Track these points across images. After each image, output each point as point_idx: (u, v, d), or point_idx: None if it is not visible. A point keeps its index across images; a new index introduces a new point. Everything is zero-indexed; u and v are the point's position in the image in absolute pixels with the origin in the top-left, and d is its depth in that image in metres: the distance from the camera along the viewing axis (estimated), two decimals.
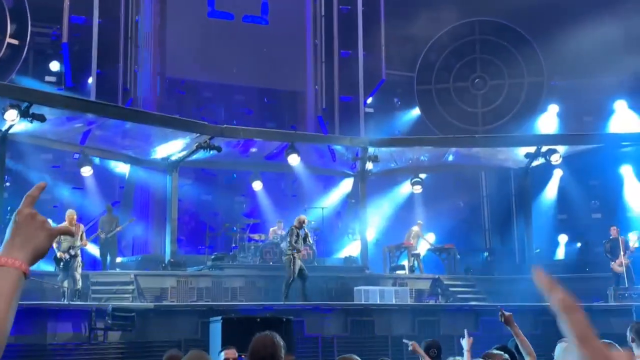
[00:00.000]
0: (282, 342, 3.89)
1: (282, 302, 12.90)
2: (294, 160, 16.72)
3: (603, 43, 19.40)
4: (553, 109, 21.86)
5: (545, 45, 21.28)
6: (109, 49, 18.75)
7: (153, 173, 17.75)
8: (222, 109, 20.65)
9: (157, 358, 7.71)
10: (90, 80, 18.22)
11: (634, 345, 5.63)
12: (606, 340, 0.85)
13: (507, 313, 5.87)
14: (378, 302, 13.54)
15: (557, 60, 20.87)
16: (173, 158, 16.87)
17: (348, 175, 19.31)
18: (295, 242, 13.81)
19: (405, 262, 17.76)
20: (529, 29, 21.99)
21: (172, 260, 15.94)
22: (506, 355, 4.74)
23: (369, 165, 18.05)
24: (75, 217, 13.00)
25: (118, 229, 15.75)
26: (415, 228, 18.07)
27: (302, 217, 14.64)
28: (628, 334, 6.76)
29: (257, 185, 18.62)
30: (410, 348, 6.68)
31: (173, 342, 11.25)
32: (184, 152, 16.60)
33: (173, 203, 16.86)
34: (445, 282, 16.48)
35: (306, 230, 14.29)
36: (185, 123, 15.56)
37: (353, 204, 19.16)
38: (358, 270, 16.86)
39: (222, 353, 6.10)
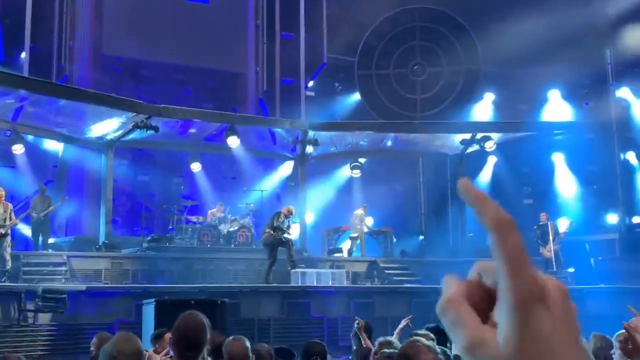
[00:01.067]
0: (207, 322, 3.82)
1: (217, 285, 12.86)
2: (233, 142, 16.61)
3: (537, 33, 19.87)
4: (489, 97, 22.36)
5: (482, 34, 21.65)
6: (43, 23, 18.16)
7: (88, 152, 17.33)
8: (160, 89, 20.28)
9: (89, 340, 7.59)
10: (23, 55, 17.62)
11: None
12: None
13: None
14: (315, 284, 13.64)
15: (494, 49, 21.27)
16: (109, 137, 16.51)
17: (288, 158, 19.31)
18: (278, 227, 13.92)
19: (346, 245, 17.96)
20: (468, 18, 22.34)
21: (106, 241, 15.65)
22: (432, 335, 4.84)
23: (309, 149, 18.10)
24: (2, 195, 12.61)
25: (51, 208, 15.35)
26: (359, 211, 18.24)
27: (292, 208, 14.84)
28: None
29: (195, 167, 18.42)
30: (356, 326, 6.76)
31: (106, 324, 11.10)
32: (120, 132, 16.26)
33: (108, 183, 16.52)
34: (382, 265, 16.72)
35: (290, 222, 14.44)
36: (122, 101, 15.23)
37: (292, 187, 19.19)
38: (296, 253, 16.92)
39: (166, 336, 6.01)
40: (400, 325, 6.69)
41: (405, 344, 3.31)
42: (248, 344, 4.65)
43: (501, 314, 0.65)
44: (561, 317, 0.64)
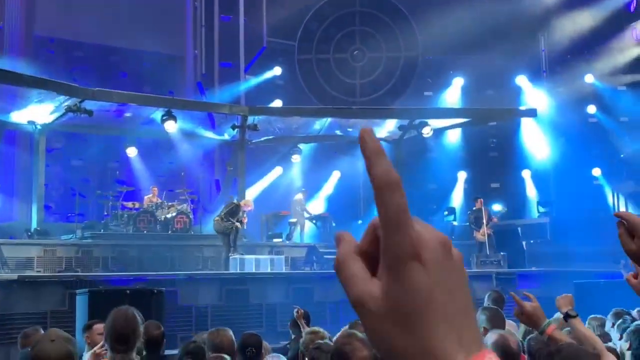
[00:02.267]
0: (139, 316, 3.84)
1: (154, 273, 12.70)
2: (171, 126, 16.34)
3: (474, 21, 20.21)
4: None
5: (421, 21, 21.88)
6: None
7: (18, 136, 16.78)
8: (94, 71, 19.75)
9: (21, 331, 7.39)
10: None
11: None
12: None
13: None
14: (253, 271, 13.63)
15: (432, 36, 21.54)
16: (40, 121, 16.01)
17: (227, 143, 19.15)
18: (235, 218, 14.10)
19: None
20: (407, 4, 22.53)
21: (38, 228, 15.24)
22: None
23: (248, 134, 17.98)
24: None
25: None
26: (298, 197, 18.27)
27: (249, 200, 15.07)
28: (486, 300, 7.23)
29: (131, 152, 18.07)
30: (295, 314, 6.77)
31: (38, 314, 10.83)
32: (53, 115, 15.79)
33: (40, 168, 16.05)
34: (321, 250, 16.80)
35: (244, 214, 14.61)
36: (54, 84, 14.74)
37: (231, 171, 19.06)
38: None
39: (95, 327, 5.91)
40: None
41: (340, 339, 3.32)
42: (231, 334, 4.67)
43: (381, 269, 0.68)
44: (440, 270, 0.67)
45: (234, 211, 14.35)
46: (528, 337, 3.85)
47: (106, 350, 4.69)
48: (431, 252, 0.67)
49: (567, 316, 3.83)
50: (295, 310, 6.89)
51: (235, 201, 14.83)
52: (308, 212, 18.77)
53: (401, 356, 0.67)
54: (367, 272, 0.69)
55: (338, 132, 19.65)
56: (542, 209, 19.83)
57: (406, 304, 0.66)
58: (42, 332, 6.00)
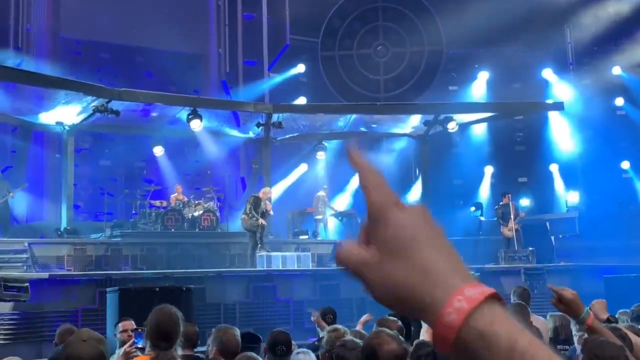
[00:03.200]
0: (180, 315, 3.94)
1: (182, 270, 12.81)
2: (196, 125, 16.44)
3: (498, 14, 20.03)
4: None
5: (444, 14, 21.75)
6: None
7: (46, 137, 17.02)
8: (120, 71, 19.95)
9: (53, 329, 7.51)
10: None
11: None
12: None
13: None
14: (280, 267, 13.67)
15: (456, 29, 21.39)
16: (68, 122, 16.22)
17: (252, 141, 19.22)
18: (261, 211, 14.26)
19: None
20: None
21: (68, 227, 15.43)
22: (400, 322, 4.89)
23: (273, 131, 18.03)
24: None
25: (10, 195, 15.07)
26: (321, 193, 18.29)
27: (267, 189, 15.22)
28: (512, 296, 7.18)
29: (158, 151, 18.23)
30: (313, 319, 6.77)
31: (69, 312, 11.00)
32: (80, 116, 15.99)
33: (69, 168, 16.26)
34: None
35: (265, 204, 14.68)
36: (81, 85, 14.92)
37: (257, 169, 19.13)
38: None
39: (120, 325, 6.00)
40: (362, 320, 6.71)
41: (370, 335, 3.39)
42: (238, 332, 4.72)
43: (372, 231, 0.81)
44: (420, 216, 0.79)
45: (256, 204, 14.39)
46: (582, 337, 3.78)
47: (137, 348, 4.77)
48: (410, 205, 0.81)
49: (608, 321, 3.79)
50: (313, 317, 6.85)
51: (254, 194, 14.87)
52: (332, 209, 18.77)
53: (405, 286, 0.76)
54: (362, 248, 0.82)
55: (362, 129, 19.62)
56: (570, 204, 19.62)
57: (396, 239, 0.78)
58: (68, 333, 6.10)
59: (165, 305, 4.05)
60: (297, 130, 18.94)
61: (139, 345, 4.71)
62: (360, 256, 0.80)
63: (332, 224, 18.80)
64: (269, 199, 14.87)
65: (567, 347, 5.45)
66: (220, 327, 4.80)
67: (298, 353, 4.62)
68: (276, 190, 19.03)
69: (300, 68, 22.31)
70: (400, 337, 3.48)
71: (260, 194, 14.66)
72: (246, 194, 19.20)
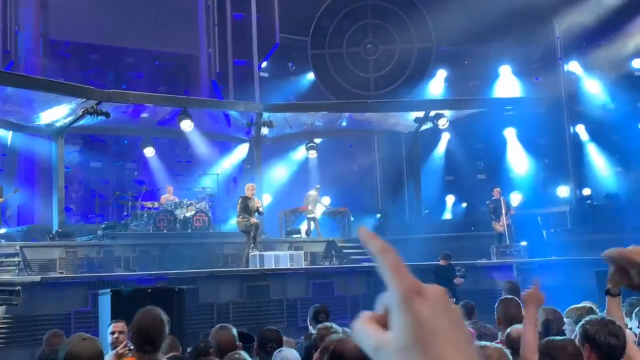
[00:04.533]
0: (165, 317, 3.89)
1: (175, 271, 12.79)
2: (187, 125, 16.42)
3: (488, 10, 20.07)
4: (441, 74, 22.55)
5: (434, 11, 21.78)
6: None
7: (37, 140, 16.96)
8: (110, 73, 19.91)
9: (45, 332, 7.50)
10: None
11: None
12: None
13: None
14: (273, 266, 13.67)
15: (445, 26, 21.43)
16: (58, 124, 16.16)
17: (243, 141, 19.22)
18: (252, 210, 14.14)
19: (303, 226, 18.02)
20: None
21: (59, 230, 15.39)
22: None
23: (264, 131, 18.02)
24: None
25: (0, 200, 15.02)
26: (312, 192, 18.31)
27: (250, 185, 14.89)
28: (503, 292, 7.21)
29: (149, 152, 18.19)
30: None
31: (62, 315, 10.97)
32: (70, 118, 15.93)
33: (59, 171, 16.21)
34: (340, 245, 16.83)
35: (254, 201, 14.51)
36: (71, 87, 14.90)
37: (249, 169, 19.12)
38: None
39: (110, 327, 5.99)
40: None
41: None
42: (235, 332, 4.71)
43: (392, 316, 0.79)
44: (441, 306, 0.79)
45: (246, 204, 14.31)
46: (583, 322, 3.78)
47: (129, 349, 4.76)
48: (431, 291, 0.79)
49: (607, 292, 3.83)
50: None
51: (241, 195, 14.77)
52: (325, 207, 18.78)
53: None
54: (380, 328, 0.81)
55: (353, 127, 19.64)
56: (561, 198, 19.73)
57: (416, 332, 0.77)
58: (64, 337, 6.08)
59: (149, 308, 3.98)
60: (288, 129, 18.94)
61: (132, 347, 4.70)
62: (377, 337, 0.79)
63: (325, 222, 18.80)
64: (254, 194, 14.70)
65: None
66: (215, 329, 4.79)
67: (281, 351, 4.62)
68: (268, 190, 19.04)
69: (291, 67, 22.34)
70: None
71: (247, 192, 14.56)
72: (238, 193, 19.22)
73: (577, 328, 3.92)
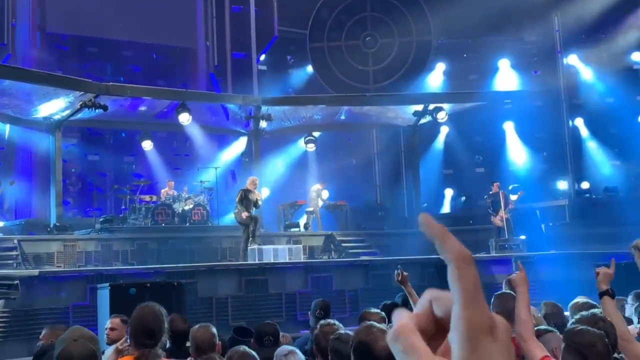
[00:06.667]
0: (163, 311, 3.89)
1: (173, 265, 12.76)
2: (185, 119, 16.36)
3: (487, 3, 20.01)
4: (440, 67, 22.50)
5: (432, 4, 21.72)
6: None
7: (35, 133, 16.89)
8: (108, 66, 19.83)
9: (44, 326, 7.46)
10: None
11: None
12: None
13: (404, 273, 5.95)
14: (272, 260, 13.64)
15: (444, 19, 21.37)
16: (56, 117, 16.10)
17: (242, 134, 19.16)
18: (251, 202, 14.15)
19: (303, 220, 18.01)
20: None
21: (57, 223, 15.34)
22: (383, 314, 4.87)
23: (263, 124, 17.98)
24: None
25: None
26: (317, 186, 18.26)
27: (253, 178, 14.84)
28: (503, 286, 7.18)
29: (147, 145, 18.13)
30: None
31: (60, 309, 10.94)
32: (68, 111, 15.86)
33: (57, 164, 16.15)
34: (338, 238, 16.82)
35: (255, 194, 14.46)
36: (68, 81, 14.83)
37: (247, 162, 19.07)
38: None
39: (108, 322, 5.97)
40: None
41: (360, 331, 3.31)
42: (214, 330, 4.69)
43: (454, 341, 0.70)
44: (506, 349, 0.70)
45: (246, 197, 14.31)
46: (572, 320, 3.79)
47: (129, 345, 4.73)
48: (501, 330, 0.71)
49: (603, 294, 3.83)
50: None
51: (242, 188, 14.77)
52: (323, 200, 18.75)
53: None
54: (427, 346, 0.72)
55: (352, 120, 19.59)
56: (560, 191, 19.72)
57: None
58: (61, 330, 6.04)
59: (148, 303, 4.00)
60: (287, 123, 18.89)
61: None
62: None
63: (325, 216, 18.77)
64: (255, 188, 14.68)
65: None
66: (194, 328, 4.76)
67: (287, 354, 4.58)
68: (266, 183, 18.99)
69: (289, 60, 22.29)
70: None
71: (249, 185, 14.54)
72: (237, 187, 19.18)
73: (568, 325, 3.92)
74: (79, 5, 19.02)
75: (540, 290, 12.68)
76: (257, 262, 13.41)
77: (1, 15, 17.87)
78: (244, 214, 14.15)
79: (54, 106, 15.64)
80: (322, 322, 4.66)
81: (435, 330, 0.73)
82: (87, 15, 19.08)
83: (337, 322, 4.68)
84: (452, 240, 0.72)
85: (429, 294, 0.75)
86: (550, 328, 4.29)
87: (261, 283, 12.70)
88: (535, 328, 3.75)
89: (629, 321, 5.39)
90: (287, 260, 13.80)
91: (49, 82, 14.50)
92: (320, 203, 18.36)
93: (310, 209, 18.13)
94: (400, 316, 0.74)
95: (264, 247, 14.12)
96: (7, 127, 16.81)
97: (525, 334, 3.42)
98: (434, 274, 12.58)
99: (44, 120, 16.20)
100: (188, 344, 4.77)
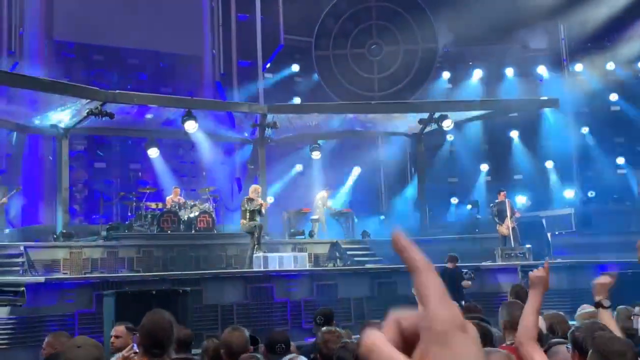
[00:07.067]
0: (172, 319, 3.89)
1: (179, 272, 12.78)
2: (191, 126, 16.40)
3: (493, 11, 20.04)
4: (445, 75, 22.45)
5: (438, 12, 21.76)
6: None
7: (42, 140, 16.97)
8: (114, 74, 19.92)
9: (49, 333, 7.47)
10: None
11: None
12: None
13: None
14: (277, 268, 13.64)
15: (449, 27, 21.41)
16: (63, 125, 16.17)
17: (247, 142, 19.21)
18: (255, 211, 14.21)
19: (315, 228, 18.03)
20: None
21: (64, 231, 15.38)
22: None
23: (268, 132, 18.01)
24: None
25: (3, 200, 15.02)
26: (322, 194, 18.26)
27: (256, 187, 14.89)
28: (509, 295, 7.17)
29: (153, 152, 18.18)
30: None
31: (66, 316, 10.96)
32: (75, 119, 15.94)
33: (63, 171, 16.21)
34: (343, 246, 16.80)
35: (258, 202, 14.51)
36: (75, 88, 14.89)
37: (252, 170, 19.10)
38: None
39: (113, 330, 5.98)
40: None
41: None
42: (247, 334, 4.71)
43: (426, 341, 0.74)
44: (477, 343, 0.75)
45: (249, 205, 14.35)
46: (571, 330, 3.76)
47: (135, 353, 4.73)
48: (471, 327, 0.76)
49: (597, 305, 3.78)
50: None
51: (245, 197, 14.82)
52: (330, 209, 18.76)
53: None
54: (399, 352, 0.75)
55: (357, 128, 19.61)
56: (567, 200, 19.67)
57: None
58: (64, 338, 6.05)
59: (157, 311, 3.98)
60: (292, 131, 18.92)
61: (137, 350, 4.67)
62: None
63: (330, 223, 18.76)
64: (258, 196, 14.73)
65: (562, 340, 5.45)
66: (228, 328, 4.79)
67: (293, 357, 4.60)
68: (272, 191, 19.02)
69: (295, 68, 22.34)
70: None
71: (251, 194, 14.60)
72: (242, 194, 19.20)
73: (569, 333, 3.86)
74: (86, 13, 19.13)
75: (545, 299, 12.65)
76: (262, 269, 13.41)
77: (9, 24, 17.98)
78: (257, 222, 14.26)
79: (61, 114, 15.72)
80: (324, 329, 4.66)
81: (404, 347, 0.77)
82: (94, 23, 19.19)
83: (339, 329, 4.69)
84: (416, 251, 0.79)
85: (392, 315, 0.79)
86: (560, 340, 4.26)
87: (266, 291, 12.71)
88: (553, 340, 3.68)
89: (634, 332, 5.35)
90: (293, 268, 13.80)
91: (56, 90, 14.57)
92: (326, 210, 18.39)
93: (316, 216, 18.13)
94: (369, 333, 0.78)
95: (270, 254, 14.12)
96: (14, 134, 16.88)
97: (523, 338, 3.33)
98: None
99: (51, 128, 16.27)
100: (195, 350, 4.78)
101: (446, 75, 22.54)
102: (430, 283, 0.76)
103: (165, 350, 3.79)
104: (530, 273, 3.61)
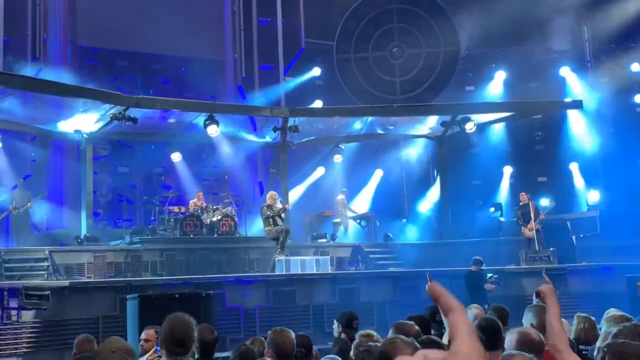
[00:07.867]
0: (193, 321, 3.95)
1: (202, 276, 12.82)
2: (213, 130, 16.48)
3: (517, 14, 19.91)
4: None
5: (460, 14, 21.66)
6: (16, 15, 17.86)
7: (66, 145, 17.15)
8: (137, 79, 20.08)
9: (74, 336, 7.53)
10: None
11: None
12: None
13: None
14: (299, 272, 13.64)
15: (472, 29, 21.30)
16: (86, 130, 16.33)
17: (269, 145, 19.24)
18: (275, 216, 14.37)
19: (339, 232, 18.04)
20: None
21: (88, 234, 15.53)
22: (417, 327, 4.84)
23: (290, 135, 18.03)
24: None
25: (29, 204, 15.20)
26: (340, 197, 18.27)
27: (272, 193, 14.98)
28: (534, 298, 7.08)
29: (176, 157, 18.30)
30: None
31: (90, 319, 11.04)
32: (98, 124, 16.09)
33: (88, 176, 16.37)
34: (366, 250, 16.76)
35: (277, 206, 14.62)
36: (99, 93, 15.03)
37: (274, 173, 19.14)
38: None
39: (143, 333, 6.03)
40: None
41: (385, 342, 3.38)
42: (294, 335, 4.75)
43: None
44: None
45: (269, 212, 14.41)
46: (615, 331, 3.70)
47: (158, 356, 4.76)
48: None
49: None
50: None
51: (262, 205, 14.93)
52: (352, 211, 18.73)
53: None
54: None
55: (379, 131, 19.56)
56: (591, 202, 19.43)
57: None
58: (94, 342, 6.10)
59: (178, 313, 4.08)
60: (314, 134, 18.92)
61: (160, 354, 4.69)
62: None
63: (351, 227, 18.74)
64: (275, 201, 14.79)
65: (587, 347, 5.38)
66: (277, 329, 4.82)
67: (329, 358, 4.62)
68: (294, 194, 19.03)
69: (316, 71, 22.35)
70: (416, 343, 3.44)
71: (268, 200, 14.73)
72: (263, 198, 19.25)
73: (609, 338, 3.81)
74: (109, 19, 19.32)
75: (571, 303, 12.50)
76: (284, 273, 13.42)
77: (33, 30, 18.21)
78: (281, 226, 14.32)
79: (85, 119, 15.87)
80: (361, 332, 4.71)
81: None
82: (117, 29, 19.37)
83: (374, 333, 4.70)
84: (450, 296, 0.99)
85: (420, 352, 0.97)
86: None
87: (289, 294, 12.71)
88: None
89: None
90: (315, 272, 13.79)
91: (79, 95, 14.71)
92: (349, 213, 18.38)
93: (337, 220, 18.12)
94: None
95: (292, 258, 14.14)
96: (38, 139, 17.08)
97: (560, 345, 3.37)
98: (462, 286, 12.44)
99: (75, 133, 16.44)
100: (216, 354, 4.79)
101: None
102: (461, 321, 0.93)
103: (187, 349, 3.85)
104: (539, 289, 3.77)
